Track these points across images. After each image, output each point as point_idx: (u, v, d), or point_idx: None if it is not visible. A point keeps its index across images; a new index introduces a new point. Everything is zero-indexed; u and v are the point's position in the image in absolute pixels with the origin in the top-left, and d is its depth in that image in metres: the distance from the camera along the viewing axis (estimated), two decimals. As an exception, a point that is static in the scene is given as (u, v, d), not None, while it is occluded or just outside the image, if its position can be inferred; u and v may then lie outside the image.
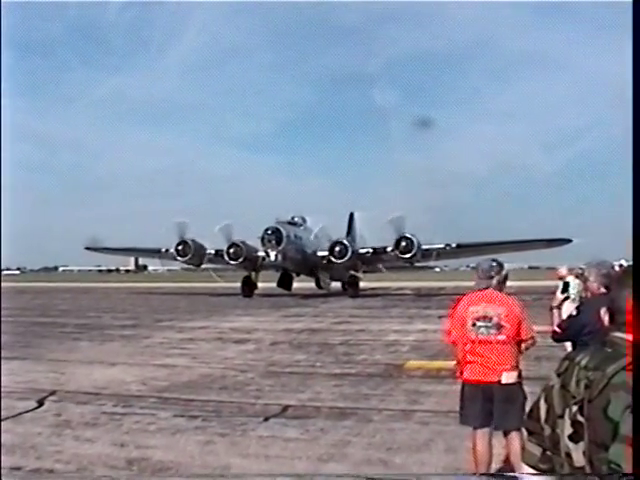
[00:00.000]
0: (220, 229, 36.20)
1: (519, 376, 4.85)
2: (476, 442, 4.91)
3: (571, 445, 1.57)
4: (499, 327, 4.79)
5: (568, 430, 1.59)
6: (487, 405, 4.81)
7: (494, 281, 4.97)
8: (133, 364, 11.52)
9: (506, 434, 4.86)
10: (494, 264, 5.06)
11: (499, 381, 4.75)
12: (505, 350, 4.80)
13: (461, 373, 5.00)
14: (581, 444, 1.54)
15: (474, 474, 4.66)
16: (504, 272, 5.07)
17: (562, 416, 1.62)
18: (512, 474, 3.42)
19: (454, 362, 10.68)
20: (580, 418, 1.55)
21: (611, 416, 1.47)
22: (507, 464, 5.02)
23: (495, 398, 4.78)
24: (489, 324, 4.79)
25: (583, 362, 1.62)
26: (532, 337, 4.99)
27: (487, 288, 4.96)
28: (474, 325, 4.82)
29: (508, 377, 4.76)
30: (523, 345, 4.94)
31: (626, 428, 1.43)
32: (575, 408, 1.57)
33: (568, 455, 1.58)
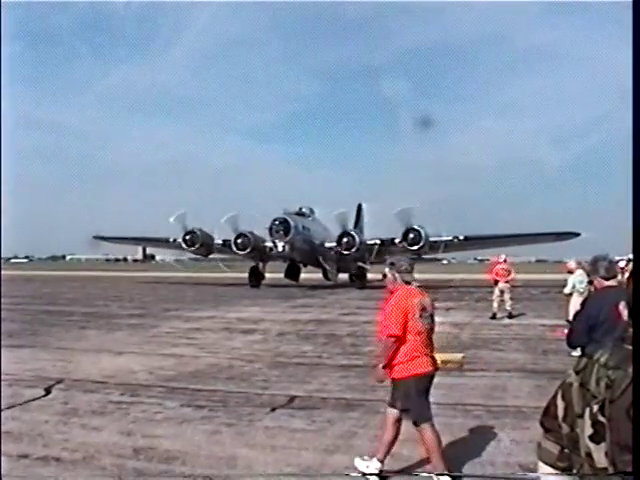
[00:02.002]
0: (226, 220, 36.22)
1: None
2: (432, 435, 4.96)
3: (592, 446, 1.53)
4: (432, 317, 5.07)
5: (589, 430, 1.55)
6: (425, 393, 5.00)
7: (414, 275, 5.17)
8: (140, 353, 11.54)
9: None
10: (411, 260, 5.32)
11: (437, 368, 5.08)
12: (433, 339, 5.12)
13: (390, 368, 4.95)
14: (603, 445, 1.50)
15: (480, 475, 4.67)
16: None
17: (582, 415, 1.58)
18: (528, 474, 3.40)
19: (461, 355, 10.66)
20: (601, 418, 1.51)
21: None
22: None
23: (429, 386, 5.03)
24: (427, 314, 4.98)
25: (602, 359, 1.57)
26: None
27: (411, 282, 5.10)
28: (421, 316, 4.92)
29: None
30: None
31: None
32: (596, 408, 1.53)
33: (589, 455, 1.54)
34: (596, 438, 1.52)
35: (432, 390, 5.10)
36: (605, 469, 1.49)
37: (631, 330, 1.58)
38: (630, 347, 1.55)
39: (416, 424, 5.02)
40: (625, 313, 1.64)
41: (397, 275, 5.08)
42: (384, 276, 5.21)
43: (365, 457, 5.22)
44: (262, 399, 7.82)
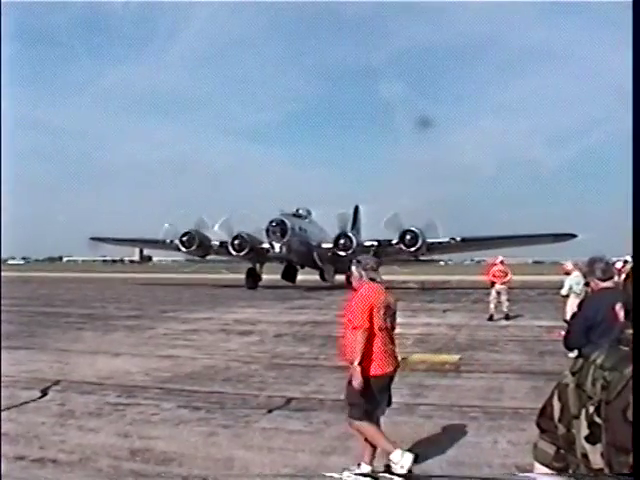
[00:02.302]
0: (220, 226, 36.24)
1: None
2: (379, 432, 5.01)
3: (588, 446, 1.54)
4: (394, 317, 5.20)
5: (584, 431, 1.55)
6: (385, 391, 5.07)
7: (379, 274, 5.28)
8: (137, 355, 11.53)
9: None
10: (377, 259, 5.44)
11: (397, 367, 5.18)
12: (394, 337, 5.19)
13: (359, 364, 4.87)
14: (599, 446, 1.51)
15: (477, 477, 4.67)
16: None
17: (578, 416, 1.59)
18: (524, 475, 3.40)
19: (458, 356, 10.70)
20: (597, 419, 1.51)
21: (631, 419, 1.43)
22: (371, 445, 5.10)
23: (389, 384, 5.10)
24: (390, 313, 5.09)
25: (599, 361, 1.58)
26: None
27: (376, 280, 5.17)
28: (384, 314, 4.99)
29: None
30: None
31: None
32: (592, 409, 1.53)
33: (585, 456, 1.55)
34: (592, 439, 1.53)
35: (428, 391, 5.11)
36: (601, 470, 1.49)
37: (627, 331, 1.59)
38: (626, 348, 1.55)
39: (358, 418, 5.01)
40: (621, 314, 1.65)
41: (363, 273, 5.14)
42: (347, 277, 5.33)
43: (351, 467, 5.06)
44: (259, 400, 7.81)
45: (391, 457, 5.00)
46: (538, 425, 1.78)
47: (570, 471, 1.65)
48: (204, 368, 10.12)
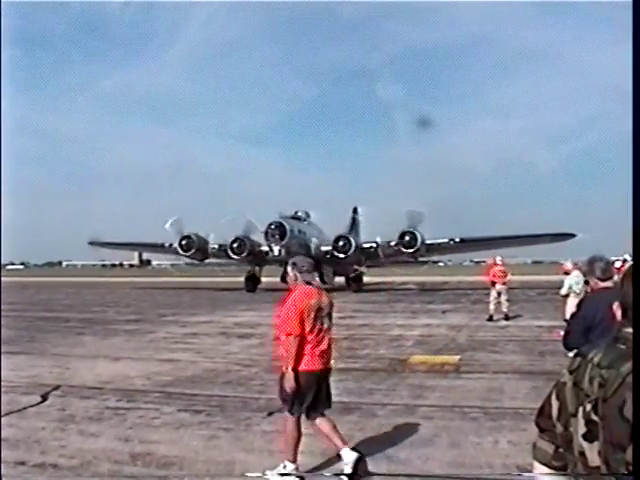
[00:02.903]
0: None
1: None
2: (299, 425, 5.22)
3: (585, 444, 1.54)
4: (330, 317, 5.35)
5: (582, 429, 1.56)
6: (316, 390, 5.22)
7: (315, 275, 5.49)
8: (137, 359, 11.52)
9: (322, 414, 5.31)
10: (313, 261, 5.61)
11: (331, 367, 5.40)
12: (331, 338, 5.37)
13: (295, 363, 5.10)
14: (596, 444, 1.51)
15: (476, 477, 4.68)
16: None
17: (575, 415, 1.59)
18: (524, 474, 3.41)
19: (458, 357, 10.71)
20: (594, 417, 1.52)
21: (627, 416, 1.43)
22: (329, 442, 5.30)
23: (324, 383, 5.30)
24: (323, 315, 5.24)
25: (596, 359, 1.59)
26: None
27: (311, 282, 5.38)
28: (316, 316, 5.16)
29: (332, 362, 5.42)
30: None
31: None
32: (589, 407, 1.54)
33: (582, 454, 1.56)
34: (589, 437, 1.53)
35: (429, 392, 5.11)
36: (598, 468, 1.50)
37: (624, 329, 1.59)
38: (623, 347, 1.56)
39: (290, 412, 5.23)
40: (619, 313, 1.65)
41: (298, 275, 5.32)
42: (283, 278, 5.42)
43: (277, 467, 5.24)
44: (259, 403, 7.81)
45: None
46: (537, 424, 1.79)
47: (569, 470, 1.66)
48: (204, 371, 10.12)
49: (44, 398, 8.10)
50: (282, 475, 5.07)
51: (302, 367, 5.11)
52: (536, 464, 1.78)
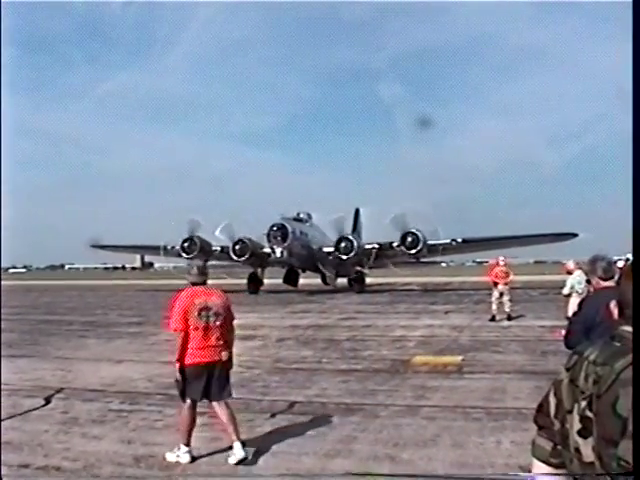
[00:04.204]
0: (222, 230, 36.20)
1: (230, 354, 5.90)
2: (191, 412, 5.76)
3: (580, 441, 1.56)
4: (217, 315, 5.78)
5: (577, 425, 1.57)
6: (207, 381, 5.70)
7: (207, 277, 6.01)
8: (139, 361, 11.54)
9: (219, 403, 5.80)
10: (203, 266, 6.10)
11: (220, 360, 5.75)
12: (222, 333, 5.82)
13: (182, 357, 5.69)
14: (590, 440, 1.53)
15: (474, 476, 4.68)
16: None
17: (571, 411, 1.61)
18: (521, 474, 3.42)
19: (460, 357, 10.72)
20: (589, 413, 1.54)
21: (620, 412, 1.45)
22: (224, 430, 5.79)
23: (215, 374, 5.73)
24: (209, 313, 5.73)
25: (592, 356, 1.60)
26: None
27: (203, 283, 5.93)
28: (199, 315, 5.68)
29: (225, 355, 5.81)
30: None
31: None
32: (584, 403, 1.56)
33: (577, 450, 1.57)
34: (584, 433, 1.54)
35: (431, 393, 5.11)
36: (592, 464, 1.51)
37: (621, 328, 1.60)
38: (618, 344, 1.57)
39: (182, 400, 5.79)
40: (616, 312, 1.66)
41: (187, 277, 5.96)
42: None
43: (173, 450, 5.70)
44: (262, 405, 7.82)
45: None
46: (535, 422, 1.81)
47: (566, 466, 1.67)
48: (207, 373, 10.10)
49: (47, 401, 8.11)
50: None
51: (189, 360, 5.67)
52: (535, 461, 1.79)
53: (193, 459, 5.62)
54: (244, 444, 5.65)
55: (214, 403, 5.79)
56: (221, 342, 5.80)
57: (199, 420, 5.96)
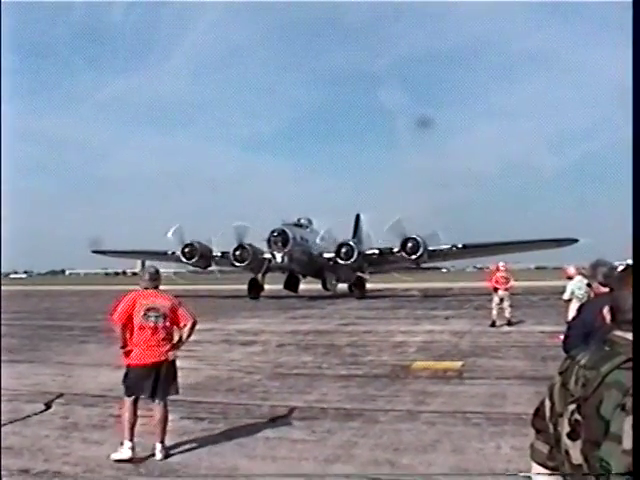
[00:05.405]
0: (236, 228, 36.21)
1: (174, 354, 6.11)
2: (133, 409, 5.95)
3: (569, 443, 1.59)
4: (164, 317, 6.05)
5: (567, 428, 1.60)
6: (153, 379, 5.92)
7: (158, 282, 6.34)
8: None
9: (159, 403, 6.01)
10: (155, 273, 6.39)
11: (166, 359, 5.98)
12: (169, 334, 6.09)
13: (127, 354, 6.02)
14: (578, 442, 1.56)
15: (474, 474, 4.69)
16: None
17: (562, 414, 1.64)
18: (519, 474, 3.43)
19: (460, 363, 10.73)
20: (577, 416, 1.57)
21: (603, 414, 1.48)
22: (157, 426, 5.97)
23: (162, 373, 5.95)
24: (157, 314, 6.01)
25: (582, 361, 1.63)
26: (193, 321, 6.32)
27: (154, 288, 6.25)
28: (145, 315, 5.97)
29: (171, 355, 6.05)
30: (185, 329, 6.22)
31: (616, 427, 1.44)
32: (573, 407, 1.59)
33: (567, 453, 1.60)
34: (573, 435, 1.57)
35: (431, 398, 5.12)
36: (580, 466, 1.54)
37: (612, 332, 1.63)
38: (608, 348, 1.60)
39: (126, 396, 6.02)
40: (609, 317, 1.68)
41: (140, 282, 6.35)
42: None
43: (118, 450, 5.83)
44: (262, 410, 7.83)
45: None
46: (533, 425, 1.84)
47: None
48: (207, 379, 10.13)
49: (48, 406, 8.12)
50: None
51: (132, 361, 5.97)
52: (533, 464, 1.82)
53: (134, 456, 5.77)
54: (164, 446, 5.89)
55: (156, 401, 5.99)
56: (167, 343, 6.06)
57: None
